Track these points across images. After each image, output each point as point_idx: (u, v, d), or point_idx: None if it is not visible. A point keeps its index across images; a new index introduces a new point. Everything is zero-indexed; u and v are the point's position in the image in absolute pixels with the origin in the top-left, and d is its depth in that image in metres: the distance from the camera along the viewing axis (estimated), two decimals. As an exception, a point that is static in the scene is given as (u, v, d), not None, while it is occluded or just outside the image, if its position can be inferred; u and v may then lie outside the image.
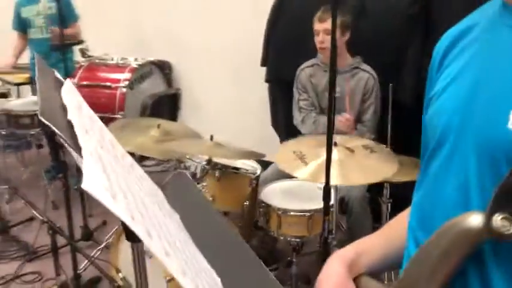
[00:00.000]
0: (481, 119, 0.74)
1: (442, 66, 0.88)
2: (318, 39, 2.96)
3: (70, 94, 0.77)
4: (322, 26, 2.93)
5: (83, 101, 0.88)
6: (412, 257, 0.81)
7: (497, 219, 0.67)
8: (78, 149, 0.49)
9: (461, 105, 0.78)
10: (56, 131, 0.52)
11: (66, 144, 1.01)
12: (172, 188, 1.07)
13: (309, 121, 3.11)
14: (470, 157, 0.75)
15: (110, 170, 0.57)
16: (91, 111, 0.86)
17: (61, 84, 0.81)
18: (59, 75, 0.89)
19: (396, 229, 0.97)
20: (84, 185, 0.43)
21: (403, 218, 0.97)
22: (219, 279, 0.73)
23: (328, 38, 2.90)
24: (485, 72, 0.77)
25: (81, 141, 0.52)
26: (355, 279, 0.95)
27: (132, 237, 0.77)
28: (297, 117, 3.18)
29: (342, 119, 2.87)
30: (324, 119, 2.84)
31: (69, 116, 0.61)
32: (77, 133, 0.55)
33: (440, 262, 0.75)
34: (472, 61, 0.81)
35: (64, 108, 0.63)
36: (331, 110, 1.86)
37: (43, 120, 0.52)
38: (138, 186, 0.73)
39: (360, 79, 3.02)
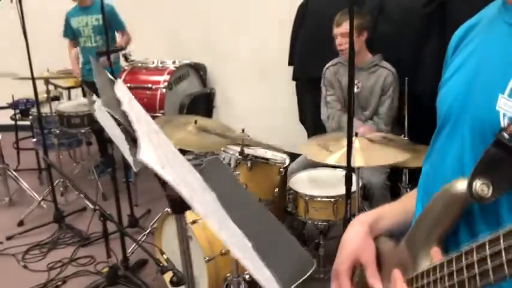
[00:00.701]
0: (476, 103, 0.81)
1: (454, 55, 0.95)
2: (336, 42, 3.02)
3: (122, 90, 0.86)
4: (338, 30, 2.98)
5: (133, 97, 0.97)
6: (416, 219, 0.90)
7: (477, 185, 0.73)
8: (134, 132, 0.59)
9: (461, 91, 0.86)
10: (116, 116, 0.61)
11: (117, 136, 1.11)
12: (208, 170, 1.15)
13: (332, 120, 3.18)
14: (466, 135, 0.82)
15: (159, 150, 0.66)
16: (139, 106, 0.95)
17: (113, 82, 0.90)
18: (110, 75, 0.98)
19: (412, 198, 1.03)
20: (141, 157, 0.52)
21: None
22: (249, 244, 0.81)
23: (345, 40, 2.97)
24: (482, 63, 0.84)
25: (135, 127, 0.61)
26: (374, 239, 1.02)
27: (177, 209, 0.85)
28: (324, 113, 3.24)
29: (360, 130, 2.93)
30: (344, 118, 2.91)
31: (124, 107, 0.70)
32: (131, 120, 0.64)
33: (435, 223, 0.83)
34: (473, 53, 0.88)
35: (118, 101, 0.73)
36: (350, 103, 1.93)
37: (106, 108, 0.61)
38: (182, 167, 0.83)
39: (380, 75, 3.06)
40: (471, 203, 0.77)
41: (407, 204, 1.04)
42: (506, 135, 0.71)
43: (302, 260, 0.74)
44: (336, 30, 2.99)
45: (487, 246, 0.66)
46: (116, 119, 0.63)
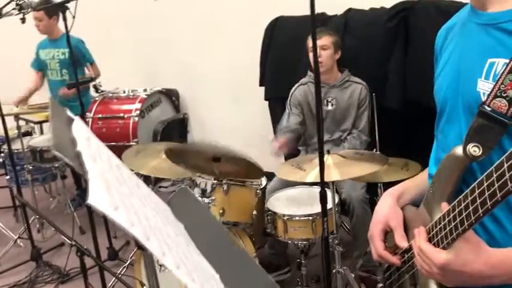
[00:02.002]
0: (463, 89, 1.03)
1: (440, 53, 1.17)
2: (312, 55, 3.02)
3: (79, 129, 0.85)
4: (318, 43, 3.00)
5: (91, 133, 0.96)
6: (429, 184, 1.12)
7: (470, 148, 0.94)
8: (86, 174, 0.58)
9: (452, 81, 1.08)
10: (67, 160, 0.60)
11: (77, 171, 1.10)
12: (176, 201, 1.14)
13: (285, 117, 3.21)
14: (461, 115, 1.04)
15: (114, 189, 0.65)
16: (99, 142, 0.94)
17: (72, 121, 0.89)
18: (70, 113, 0.97)
19: (426, 174, 1.25)
20: (90, 201, 0.52)
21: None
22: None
23: (324, 53, 3.01)
24: (463, 56, 1.06)
25: (88, 167, 0.60)
26: (402, 208, 1.24)
27: (140, 245, 0.83)
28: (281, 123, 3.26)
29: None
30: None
31: (78, 148, 0.70)
32: (85, 161, 0.63)
33: (444, 184, 1.05)
34: (455, 49, 1.10)
35: (74, 142, 0.72)
36: (319, 120, 1.94)
37: (55, 153, 0.60)
38: (142, 202, 0.82)
39: (354, 90, 3.10)
40: (469, 163, 0.98)
41: (423, 179, 1.25)
42: (486, 106, 0.93)
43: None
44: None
45: (493, 172, 0.82)
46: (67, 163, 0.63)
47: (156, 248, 0.57)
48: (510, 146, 0.91)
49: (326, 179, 2.01)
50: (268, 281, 0.76)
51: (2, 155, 4.16)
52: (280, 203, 2.75)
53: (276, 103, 4.02)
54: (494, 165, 0.82)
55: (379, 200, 1.28)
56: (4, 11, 3.47)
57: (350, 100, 3.09)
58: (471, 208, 0.88)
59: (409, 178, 2.37)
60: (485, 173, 0.85)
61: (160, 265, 2.59)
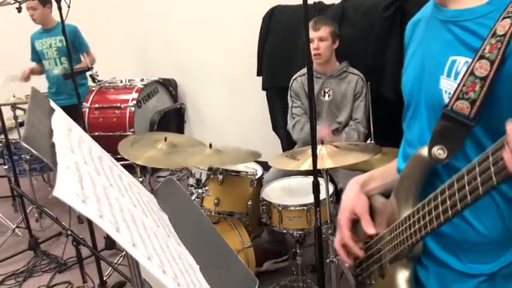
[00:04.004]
0: (427, 87, 1.04)
1: (408, 46, 1.18)
2: (312, 46, 3.01)
3: (60, 120, 0.85)
4: (316, 34, 2.99)
5: (75, 124, 0.95)
6: (398, 179, 1.11)
7: (435, 149, 0.94)
8: (55, 166, 0.57)
9: (415, 78, 1.08)
10: (34, 152, 0.60)
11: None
12: (162, 192, 1.14)
13: (297, 127, 3.18)
14: (424, 112, 1.05)
15: (86, 181, 0.65)
16: (81, 133, 0.93)
17: (52, 111, 0.89)
18: (53, 104, 0.96)
19: (394, 164, 1.26)
20: (56, 193, 0.51)
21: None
22: (200, 276, 0.80)
23: (323, 44, 2.99)
24: (426, 53, 1.06)
25: (59, 158, 0.60)
26: (370, 198, 1.25)
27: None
28: (289, 123, 3.25)
29: (322, 129, 2.97)
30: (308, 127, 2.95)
31: (54, 139, 0.69)
32: (57, 152, 0.63)
33: (411, 181, 1.05)
34: (419, 45, 1.10)
35: (50, 133, 0.71)
36: (311, 110, 1.93)
37: (24, 144, 0.60)
38: (122, 193, 0.81)
39: (350, 81, 3.08)
40: (434, 165, 0.99)
41: (391, 170, 1.26)
42: (449, 109, 0.93)
43: (246, 280, 0.73)
44: (314, 34, 2.99)
45: (477, 168, 0.81)
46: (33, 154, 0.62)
47: (125, 239, 0.56)
48: (472, 149, 0.95)
49: (319, 167, 2.01)
50: (247, 274, 0.76)
51: (0, 144, 4.16)
52: (276, 193, 2.74)
53: (274, 93, 4.01)
54: (465, 168, 0.84)
55: (345, 189, 1.30)
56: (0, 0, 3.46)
57: (346, 91, 3.08)
58: (444, 206, 0.90)
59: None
60: (456, 175, 0.86)
61: (155, 254, 2.61)
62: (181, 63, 4.81)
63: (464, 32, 0.96)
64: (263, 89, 4.05)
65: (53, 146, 0.67)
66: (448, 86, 0.96)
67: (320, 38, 2.98)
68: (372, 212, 1.22)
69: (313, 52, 3.02)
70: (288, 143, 3.82)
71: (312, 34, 2.99)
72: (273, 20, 3.90)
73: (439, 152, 0.94)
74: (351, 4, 3.44)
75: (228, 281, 0.74)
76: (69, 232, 2.55)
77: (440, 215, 0.91)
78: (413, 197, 1.05)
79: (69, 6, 2.92)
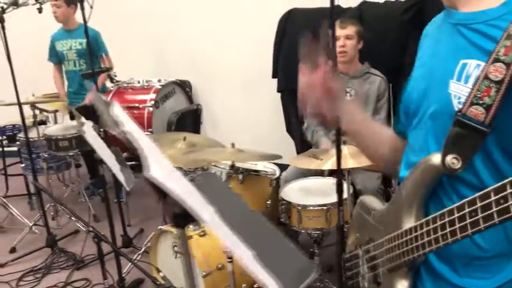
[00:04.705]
0: (435, 90, 0.99)
1: (418, 53, 1.14)
2: (338, 43, 3.03)
3: (119, 111, 0.88)
4: (343, 32, 3.01)
5: (128, 117, 0.99)
6: (399, 186, 1.06)
7: (449, 159, 0.89)
8: (138, 149, 0.60)
9: (423, 84, 1.03)
10: (124, 138, 0.63)
11: (108, 156, 1.12)
12: (203, 184, 1.16)
13: (309, 131, 3.25)
14: (429, 119, 1.00)
15: (160, 166, 0.68)
16: (135, 125, 0.97)
17: (109, 104, 0.92)
18: (105, 98, 1.00)
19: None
20: (150, 174, 0.54)
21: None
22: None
23: (349, 42, 3.02)
24: (435, 59, 1.02)
25: (140, 141, 0.63)
26: (363, 199, 1.25)
27: (179, 224, 0.86)
28: (305, 124, 3.31)
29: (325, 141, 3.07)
30: (320, 138, 3.10)
31: (124, 128, 0.72)
32: (132, 139, 0.66)
33: (415, 190, 0.99)
34: (428, 50, 1.07)
35: (117, 123, 0.74)
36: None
37: (113, 132, 0.63)
38: (179, 181, 0.84)
39: (373, 82, 3.11)
40: (445, 174, 0.92)
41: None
42: (462, 114, 0.88)
43: (304, 266, 0.76)
44: (340, 32, 3.01)
45: (491, 194, 0.77)
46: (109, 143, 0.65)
47: (209, 220, 0.59)
48: (480, 161, 0.91)
49: (342, 167, 2.04)
50: (306, 261, 0.78)
51: (18, 143, 4.21)
52: (294, 193, 2.77)
53: (289, 95, 4.04)
54: (478, 194, 0.80)
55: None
56: (21, 0, 3.50)
57: (369, 92, 3.10)
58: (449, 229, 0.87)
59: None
60: (467, 200, 0.83)
61: (175, 252, 2.64)
62: (196, 65, 4.85)
63: (476, 34, 0.92)
64: (278, 91, 4.08)
65: (124, 133, 0.70)
66: (458, 90, 0.92)
67: (347, 36, 3.01)
68: (368, 214, 1.18)
69: (339, 49, 3.04)
70: (301, 145, 3.84)
71: (339, 32, 3.00)
72: (289, 23, 3.93)
73: (453, 161, 0.88)
74: (368, 7, 3.47)
75: (288, 269, 0.76)
76: (90, 229, 2.58)
77: (448, 236, 0.87)
78: (417, 206, 1.00)
79: (91, 7, 2.96)
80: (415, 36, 3.19)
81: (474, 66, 0.90)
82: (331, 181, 2.75)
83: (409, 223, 1.00)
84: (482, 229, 0.79)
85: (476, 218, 0.80)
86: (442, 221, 0.88)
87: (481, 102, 0.86)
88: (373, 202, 1.19)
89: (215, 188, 1.18)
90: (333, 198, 2.49)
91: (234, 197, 1.18)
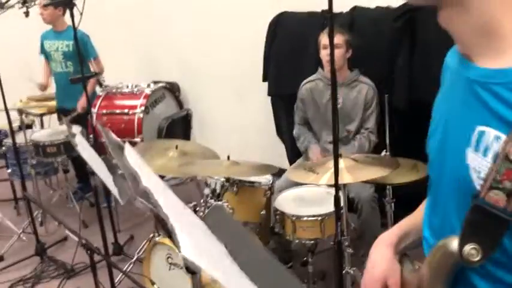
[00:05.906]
0: (451, 157, 0.86)
1: (440, 89, 0.98)
2: (325, 52, 3.01)
3: (133, 157, 0.86)
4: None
5: (142, 161, 0.96)
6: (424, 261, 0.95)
7: (467, 249, 0.79)
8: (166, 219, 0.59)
9: (438, 144, 0.91)
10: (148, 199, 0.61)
11: (99, 167, 1.10)
12: (211, 219, 1.16)
13: (300, 140, 3.30)
14: (447, 189, 0.88)
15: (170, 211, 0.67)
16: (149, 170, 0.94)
17: (121, 146, 0.89)
18: (114, 136, 0.97)
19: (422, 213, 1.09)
20: (185, 255, 0.53)
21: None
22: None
23: (337, 51, 2.99)
24: (449, 115, 0.88)
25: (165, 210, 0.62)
26: (399, 261, 1.09)
27: (190, 270, 0.85)
28: (295, 130, 3.34)
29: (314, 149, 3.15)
30: (309, 145, 3.19)
31: (145, 183, 0.71)
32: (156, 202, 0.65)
33: (434, 276, 0.90)
34: (443, 105, 0.93)
35: (137, 177, 0.73)
36: (335, 119, 1.96)
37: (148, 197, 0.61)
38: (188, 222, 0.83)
39: (360, 90, 3.12)
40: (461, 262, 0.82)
41: (421, 217, 1.08)
42: (481, 200, 0.77)
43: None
44: (327, 40, 3.00)
45: None
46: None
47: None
48: (508, 239, 0.78)
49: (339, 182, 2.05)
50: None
51: (4, 148, 4.13)
52: (288, 203, 2.76)
53: (279, 99, 4.04)
54: None
55: (374, 249, 1.13)
56: (7, 4, 3.43)
57: (356, 100, 3.11)
58: None
59: (417, 180, 2.43)
60: None
61: (170, 263, 2.63)
62: (185, 68, 4.82)
63: (494, 98, 0.77)
64: (269, 94, 4.07)
65: (145, 192, 0.69)
66: (477, 163, 0.79)
67: (335, 46, 2.99)
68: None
69: (325, 58, 3.04)
70: (292, 150, 3.85)
71: (326, 40, 3.00)
72: (279, 26, 3.92)
73: (472, 252, 0.79)
74: (360, 13, 3.46)
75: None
76: (83, 241, 2.55)
77: None
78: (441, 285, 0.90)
79: (81, 14, 2.92)
80: (406, 43, 3.23)
81: (493, 138, 0.77)
82: (326, 190, 2.76)
83: None
84: None
85: None
86: None
87: (501, 186, 0.76)
88: (408, 266, 1.10)
89: (222, 223, 1.17)
90: (328, 208, 2.50)
91: (240, 232, 1.18)
